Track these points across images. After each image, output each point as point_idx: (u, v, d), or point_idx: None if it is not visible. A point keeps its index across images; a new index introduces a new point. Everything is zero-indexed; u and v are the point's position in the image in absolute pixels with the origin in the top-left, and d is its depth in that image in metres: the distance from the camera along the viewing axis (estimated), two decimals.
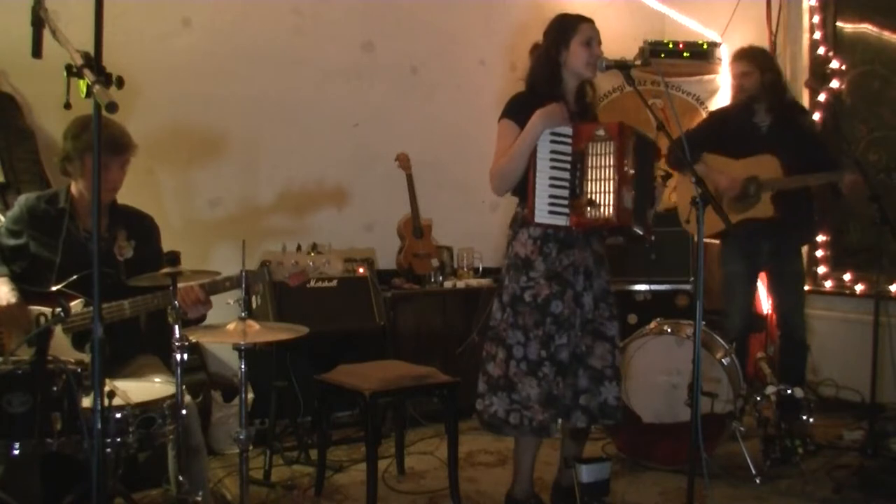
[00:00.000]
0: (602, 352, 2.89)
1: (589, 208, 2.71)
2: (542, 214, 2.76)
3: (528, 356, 2.80)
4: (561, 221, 2.77)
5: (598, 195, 2.71)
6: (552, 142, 2.77)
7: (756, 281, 4.12)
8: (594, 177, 2.72)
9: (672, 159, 3.97)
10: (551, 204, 2.76)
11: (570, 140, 2.77)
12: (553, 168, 2.76)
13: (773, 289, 4.15)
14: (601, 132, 2.73)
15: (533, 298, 2.81)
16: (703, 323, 2.76)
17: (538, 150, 2.76)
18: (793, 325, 4.03)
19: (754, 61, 3.96)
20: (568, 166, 2.76)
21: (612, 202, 2.69)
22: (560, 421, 2.84)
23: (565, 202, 2.76)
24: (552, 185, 2.76)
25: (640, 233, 2.82)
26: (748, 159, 3.87)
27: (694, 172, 2.66)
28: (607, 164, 2.70)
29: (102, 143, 2.61)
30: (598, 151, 2.73)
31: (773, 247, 3.94)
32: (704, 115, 5.17)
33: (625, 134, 2.72)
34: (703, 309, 2.57)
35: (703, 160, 3.96)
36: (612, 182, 2.69)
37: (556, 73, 2.88)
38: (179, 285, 2.54)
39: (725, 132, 3.98)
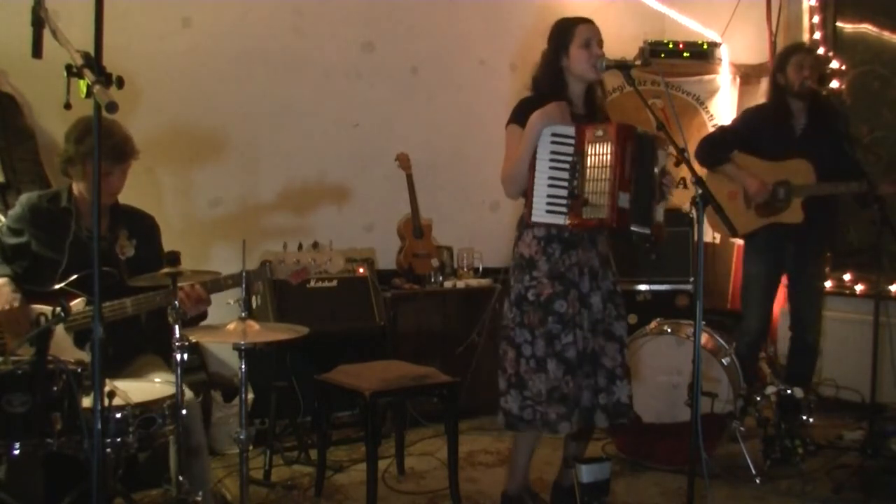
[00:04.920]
0: (612, 351, 2.91)
1: (585, 208, 2.71)
2: (539, 214, 2.77)
3: (536, 353, 2.82)
4: (559, 221, 2.77)
5: (594, 195, 2.71)
6: (553, 142, 2.77)
7: (778, 284, 4.08)
8: (592, 177, 2.72)
9: (701, 157, 3.91)
10: (549, 203, 2.76)
11: (571, 141, 2.77)
12: (552, 168, 2.77)
13: (793, 290, 4.09)
14: (600, 133, 2.73)
15: (536, 297, 2.83)
16: (704, 323, 2.76)
17: (538, 151, 2.77)
18: (808, 328, 4.01)
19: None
20: (567, 167, 2.76)
21: (607, 203, 2.68)
22: (573, 422, 2.83)
23: (563, 202, 2.76)
24: (551, 185, 2.76)
25: (644, 231, 2.81)
26: (781, 163, 3.82)
27: (693, 170, 2.65)
28: (605, 164, 2.70)
29: (105, 151, 2.65)
30: (597, 152, 2.72)
31: (798, 249, 3.90)
32: (704, 115, 5.18)
33: (623, 135, 2.71)
34: (704, 309, 2.57)
35: (733, 160, 3.90)
36: (608, 183, 2.69)
37: (560, 78, 2.89)
38: (181, 284, 2.54)
39: (761, 132, 3.91)
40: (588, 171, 2.73)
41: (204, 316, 2.83)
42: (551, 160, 2.77)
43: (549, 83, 2.89)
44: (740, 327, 4.05)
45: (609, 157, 2.70)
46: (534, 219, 2.78)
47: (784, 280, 4.13)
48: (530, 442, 2.98)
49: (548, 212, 2.77)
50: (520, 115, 2.87)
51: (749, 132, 3.95)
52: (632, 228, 2.78)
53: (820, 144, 3.79)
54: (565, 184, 2.76)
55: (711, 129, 5.06)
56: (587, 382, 2.85)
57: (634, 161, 2.74)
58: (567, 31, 2.87)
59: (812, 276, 4.00)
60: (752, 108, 4.21)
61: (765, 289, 4.02)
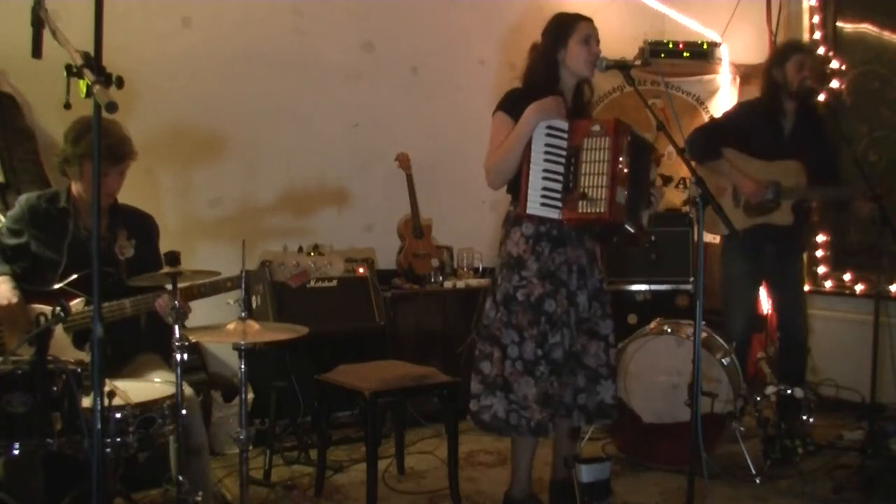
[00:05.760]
0: (596, 350, 2.89)
1: (582, 202, 2.70)
2: (533, 206, 2.75)
3: (524, 355, 2.80)
4: (553, 214, 2.76)
5: (591, 190, 2.70)
6: (548, 135, 2.76)
7: (759, 283, 4.06)
8: (588, 171, 2.71)
9: (694, 150, 3.87)
10: (544, 196, 2.74)
11: (566, 135, 2.76)
12: (547, 161, 2.75)
13: (775, 290, 4.09)
14: (597, 128, 2.73)
15: (526, 297, 2.81)
16: (704, 323, 2.76)
17: (533, 143, 2.75)
18: (795, 327, 4.00)
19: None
20: (562, 160, 2.75)
21: (605, 197, 2.67)
22: (556, 423, 2.82)
23: (558, 195, 2.74)
24: (545, 178, 2.75)
25: (632, 231, 2.81)
26: (774, 163, 3.79)
27: (693, 170, 2.65)
28: (602, 159, 2.70)
29: (102, 152, 2.61)
30: (594, 146, 2.72)
31: (778, 249, 3.89)
32: (704, 115, 5.17)
33: (620, 130, 2.72)
34: (703, 309, 2.57)
35: (725, 156, 3.86)
36: (605, 177, 2.68)
37: (554, 71, 2.88)
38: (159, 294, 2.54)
39: (753, 129, 3.86)
40: (584, 165, 2.72)
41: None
42: (546, 153, 2.75)
43: (542, 75, 2.88)
44: (726, 330, 3.95)
45: (607, 151, 2.69)
46: (528, 211, 2.75)
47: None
48: (530, 447, 2.95)
49: (542, 204, 2.75)
50: (508, 105, 2.86)
51: (741, 128, 3.90)
52: (625, 226, 2.78)
53: (807, 147, 3.78)
54: (560, 177, 2.75)
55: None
56: (570, 381, 2.85)
57: (630, 158, 2.73)
58: (567, 26, 2.86)
59: (793, 274, 3.99)
60: (746, 102, 4.18)
61: (747, 290, 3.99)
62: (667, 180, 3.11)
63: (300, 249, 2.89)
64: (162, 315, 2.69)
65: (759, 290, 4.11)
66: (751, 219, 3.84)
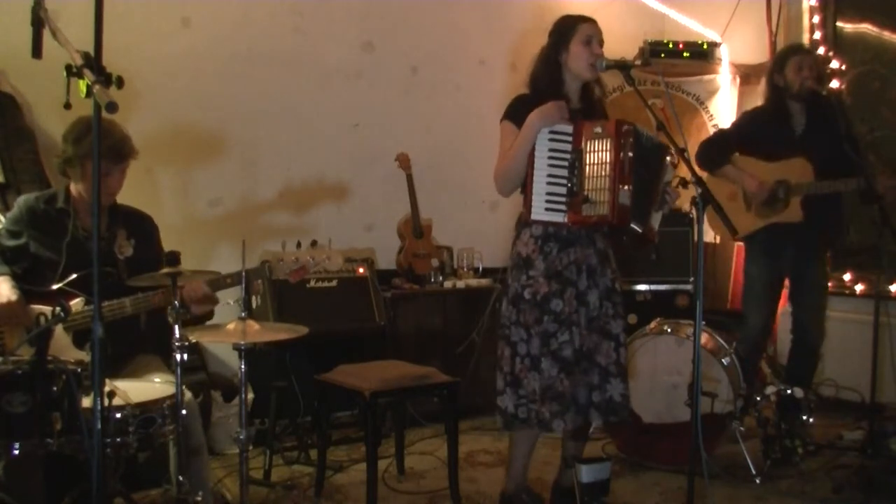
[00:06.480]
0: (607, 349, 2.90)
1: (585, 205, 2.71)
2: (538, 211, 2.77)
3: (531, 351, 2.82)
4: (558, 218, 2.77)
5: (594, 192, 2.71)
6: (551, 140, 2.77)
7: (780, 285, 4.04)
8: (591, 174, 2.71)
9: (702, 160, 3.89)
10: (548, 201, 2.76)
11: (569, 138, 2.77)
12: (551, 166, 2.77)
13: (795, 293, 4.05)
14: (599, 129, 2.73)
15: (532, 296, 2.83)
16: (704, 323, 2.76)
17: (536, 149, 2.77)
18: (809, 331, 3.97)
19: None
20: (566, 164, 2.76)
21: (608, 199, 2.68)
22: (567, 420, 2.83)
23: (562, 199, 2.76)
24: (549, 183, 2.76)
25: (640, 231, 2.81)
26: (780, 163, 3.79)
27: (694, 170, 2.65)
28: (604, 161, 2.70)
29: (103, 151, 2.64)
30: (596, 149, 2.72)
31: (798, 251, 3.87)
32: (704, 115, 5.18)
33: (622, 131, 2.71)
34: (704, 309, 2.57)
35: (733, 162, 3.89)
36: (608, 179, 2.69)
37: (558, 74, 2.88)
38: (183, 282, 2.55)
39: (760, 134, 3.88)
40: (587, 168, 2.72)
41: (210, 315, 2.84)
42: (549, 158, 2.77)
43: (546, 79, 2.89)
44: (742, 329, 4.01)
45: (608, 153, 2.69)
46: (533, 217, 2.78)
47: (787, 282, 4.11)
48: (527, 441, 2.98)
49: (547, 209, 2.77)
50: (514, 112, 2.87)
51: (748, 134, 3.93)
52: (631, 226, 2.78)
53: (820, 143, 3.77)
54: (564, 181, 2.76)
55: (711, 130, 5.07)
56: (584, 380, 2.85)
57: (635, 158, 2.72)
58: (569, 27, 2.87)
59: (812, 278, 3.96)
60: (751, 110, 4.19)
61: (765, 290, 3.99)
62: (684, 184, 3.10)
63: (298, 245, 2.89)
64: (188, 301, 2.70)
65: (778, 292, 4.07)
66: (762, 219, 3.84)
